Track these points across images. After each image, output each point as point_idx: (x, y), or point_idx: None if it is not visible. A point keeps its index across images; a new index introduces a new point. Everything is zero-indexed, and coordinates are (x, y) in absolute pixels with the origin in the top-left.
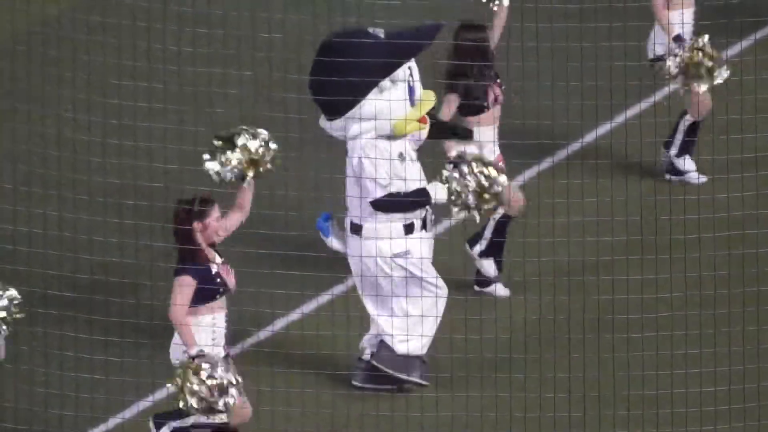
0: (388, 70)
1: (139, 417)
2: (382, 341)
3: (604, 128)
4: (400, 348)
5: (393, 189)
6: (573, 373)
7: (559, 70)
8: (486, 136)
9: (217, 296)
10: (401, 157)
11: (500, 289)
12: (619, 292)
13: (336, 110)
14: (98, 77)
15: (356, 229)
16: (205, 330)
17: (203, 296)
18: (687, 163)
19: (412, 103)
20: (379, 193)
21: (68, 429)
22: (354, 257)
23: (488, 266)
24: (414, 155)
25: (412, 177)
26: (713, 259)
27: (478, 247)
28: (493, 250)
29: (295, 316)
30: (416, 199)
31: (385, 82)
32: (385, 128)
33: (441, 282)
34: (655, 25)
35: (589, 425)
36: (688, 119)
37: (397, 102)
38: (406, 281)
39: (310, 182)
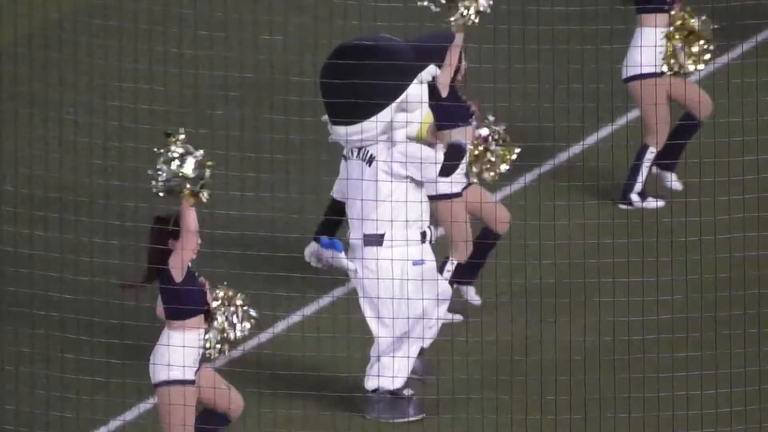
0: (414, 73)
1: (140, 419)
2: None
3: (605, 131)
4: (371, 384)
5: (414, 196)
6: (574, 376)
7: (560, 72)
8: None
9: (198, 314)
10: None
11: (472, 295)
12: (620, 294)
13: (357, 114)
14: (100, 80)
15: (373, 240)
16: (192, 344)
17: (186, 312)
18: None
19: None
20: (401, 203)
21: (70, 431)
22: (369, 270)
23: (469, 293)
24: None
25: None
26: (714, 262)
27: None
28: (465, 273)
29: (296, 318)
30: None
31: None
32: (412, 132)
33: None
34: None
35: (590, 428)
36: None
37: (419, 107)
38: (419, 289)
39: (311, 185)
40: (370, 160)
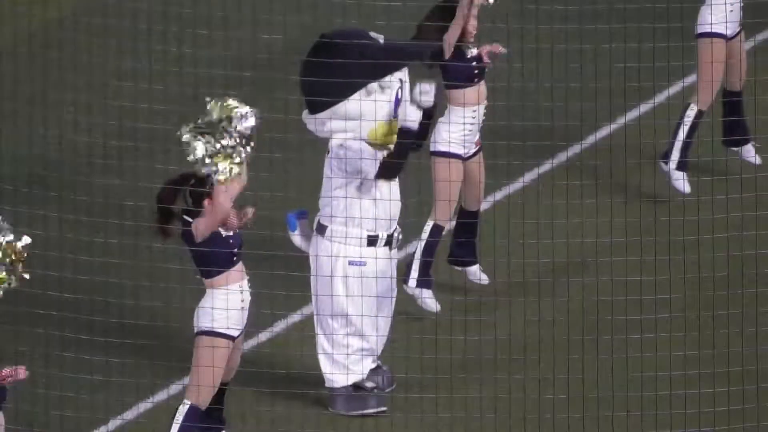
0: (380, 73)
1: (139, 418)
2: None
3: (604, 130)
4: (326, 382)
5: (367, 198)
6: (572, 375)
7: (559, 71)
8: (460, 118)
9: (234, 259)
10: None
11: (482, 276)
12: (618, 293)
13: (321, 105)
14: (99, 79)
15: (321, 229)
16: (235, 295)
17: (222, 261)
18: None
19: (395, 115)
20: (350, 193)
21: (69, 430)
22: (313, 256)
23: (430, 303)
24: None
25: (385, 186)
26: (712, 261)
27: (413, 282)
28: (458, 253)
29: (295, 317)
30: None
31: (374, 86)
32: (361, 132)
33: (387, 307)
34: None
35: (588, 426)
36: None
37: (379, 107)
38: (358, 290)
39: (311, 184)
40: (328, 153)
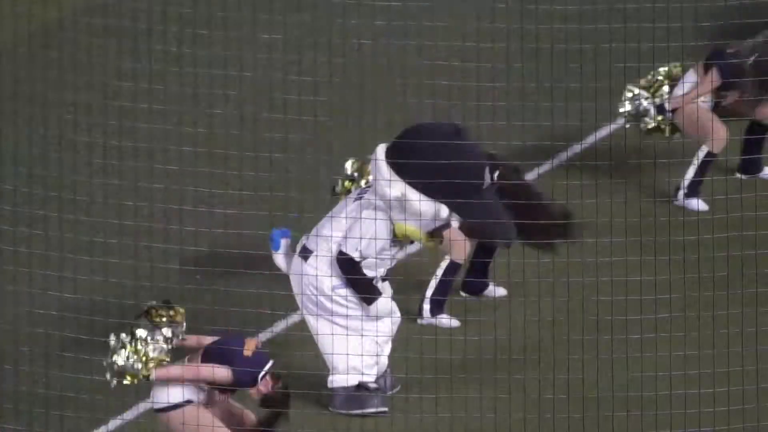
0: (472, 176)
1: (139, 418)
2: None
3: (604, 130)
4: (329, 383)
5: (361, 257)
6: (572, 375)
7: (559, 71)
8: None
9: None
10: (393, 245)
11: (445, 320)
12: (618, 293)
13: (417, 183)
14: (99, 79)
15: (305, 253)
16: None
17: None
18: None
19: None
20: (349, 250)
21: (69, 430)
22: (295, 276)
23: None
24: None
25: (381, 270)
26: (712, 261)
27: (426, 306)
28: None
29: (295, 317)
30: (364, 293)
31: (446, 212)
32: (412, 219)
33: (384, 324)
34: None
35: (588, 426)
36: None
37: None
38: (345, 308)
39: (310, 184)
40: (359, 198)
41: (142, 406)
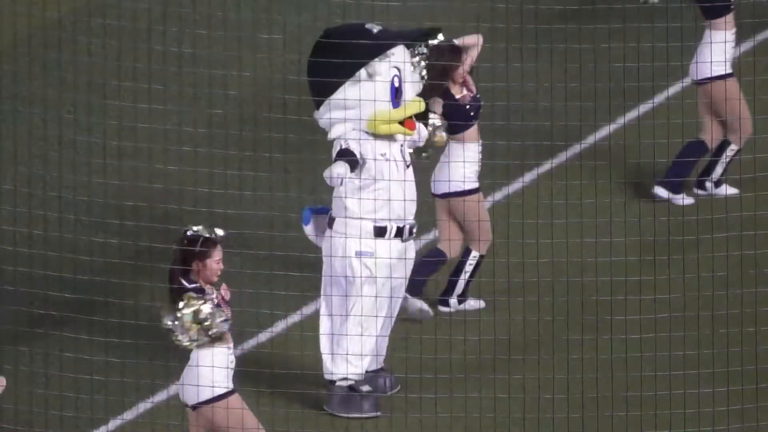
0: (367, 57)
1: (139, 418)
2: (331, 384)
3: (603, 130)
4: (326, 376)
5: (371, 189)
6: (571, 375)
7: (559, 71)
8: (471, 155)
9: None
10: (384, 157)
11: (473, 303)
12: (618, 293)
13: (319, 100)
14: (99, 79)
15: (330, 223)
16: (221, 357)
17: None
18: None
19: (396, 104)
20: (349, 194)
21: (69, 430)
22: (326, 256)
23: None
24: (402, 157)
25: (396, 178)
26: (711, 261)
27: (454, 301)
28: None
29: (295, 317)
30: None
31: (362, 74)
32: (357, 124)
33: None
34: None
35: (587, 426)
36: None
37: (372, 98)
38: (366, 284)
39: (309, 184)
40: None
41: (142, 406)
